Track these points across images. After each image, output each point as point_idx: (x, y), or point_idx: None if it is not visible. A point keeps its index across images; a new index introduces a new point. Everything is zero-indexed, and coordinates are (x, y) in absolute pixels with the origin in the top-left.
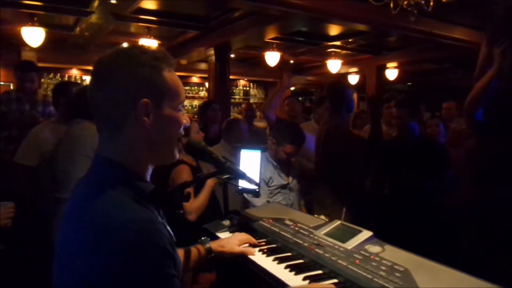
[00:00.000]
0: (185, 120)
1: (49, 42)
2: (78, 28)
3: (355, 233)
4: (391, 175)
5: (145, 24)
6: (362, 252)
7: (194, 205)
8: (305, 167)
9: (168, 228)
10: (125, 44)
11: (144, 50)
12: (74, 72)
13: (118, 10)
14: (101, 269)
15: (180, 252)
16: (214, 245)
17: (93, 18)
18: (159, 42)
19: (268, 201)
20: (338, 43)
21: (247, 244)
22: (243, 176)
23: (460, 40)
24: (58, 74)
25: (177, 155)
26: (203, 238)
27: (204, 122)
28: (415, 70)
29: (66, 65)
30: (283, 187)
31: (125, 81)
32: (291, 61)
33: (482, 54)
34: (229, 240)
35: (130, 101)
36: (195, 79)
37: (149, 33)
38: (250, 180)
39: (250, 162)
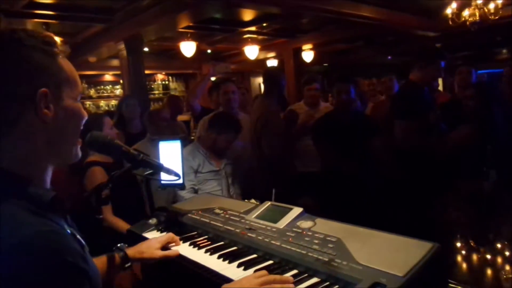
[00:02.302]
0: (84, 112)
1: None
2: None
3: (286, 211)
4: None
5: (42, 20)
6: (294, 229)
7: None
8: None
9: (79, 237)
10: None
11: (30, 33)
12: None
13: (6, 5)
14: None
15: (102, 261)
16: (131, 252)
17: None
18: (61, 39)
19: (194, 189)
20: (253, 28)
21: (173, 244)
22: (160, 168)
23: (368, 18)
24: None
25: (80, 153)
26: (119, 244)
27: (121, 119)
28: (330, 51)
29: None
30: (215, 173)
31: (14, 68)
32: (208, 51)
33: None
34: (149, 244)
35: (25, 92)
36: (108, 77)
37: (48, 30)
38: (169, 171)
39: (171, 154)
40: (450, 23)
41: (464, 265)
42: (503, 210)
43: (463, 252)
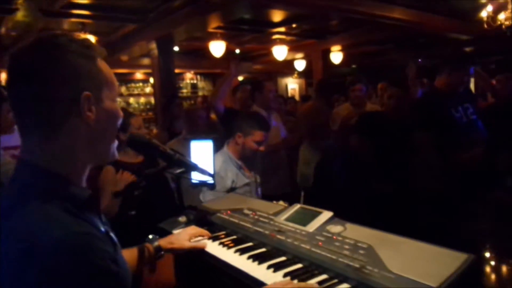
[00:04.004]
0: (121, 112)
1: None
2: (3, 28)
3: (315, 215)
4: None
5: (79, 19)
6: (324, 233)
7: None
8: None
9: (112, 234)
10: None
11: (70, 37)
12: (3, 76)
13: (46, 5)
14: None
15: (132, 253)
16: (163, 242)
17: (19, 15)
18: (96, 38)
19: None
20: (282, 29)
21: (200, 238)
22: (194, 167)
23: (400, 20)
24: None
25: (117, 153)
26: (150, 236)
27: (168, 119)
28: (359, 53)
29: None
30: (247, 185)
31: (60, 73)
32: (237, 51)
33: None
34: (179, 236)
35: (69, 95)
36: (138, 75)
37: (84, 29)
38: (203, 172)
39: (202, 153)
40: (485, 26)
41: (493, 276)
42: None
43: (492, 263)
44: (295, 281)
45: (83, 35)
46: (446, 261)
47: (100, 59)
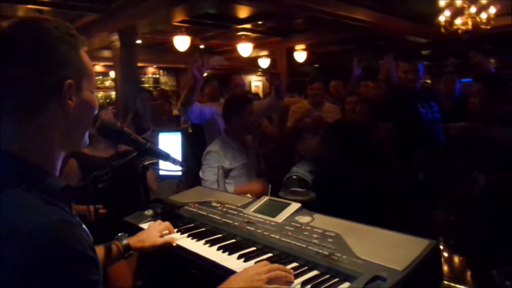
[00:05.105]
0: (97, 104)
1: None
2: None
3: (284, 206)
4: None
5: (35, 6)
6: (293, 223)
7: None
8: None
9: (85, 227)
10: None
11: (55, 23)
12: None
13: None
14: None
15: (98, 250)
16: (132, 241)
17: None
18: None
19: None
20: (247, 25)
21: (167, 232)
22: (167, 157)
23: (362, 21)
24: None
25: (88, 141)
26: (119, 234)
27: (136, 114)
28: (322, 52)
29: None
30: (244, 166)
31: (45, 58)
32: (201, 46)
33: None
34: (148, 233)
35: (51, 83)
36: (98, 68)
37: None
38: (174, 161)
39: (171, 146)
40: (443, 30)
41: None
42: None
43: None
44: None
45: (68, 24)
46: (410, 246)
47: (81, 49)
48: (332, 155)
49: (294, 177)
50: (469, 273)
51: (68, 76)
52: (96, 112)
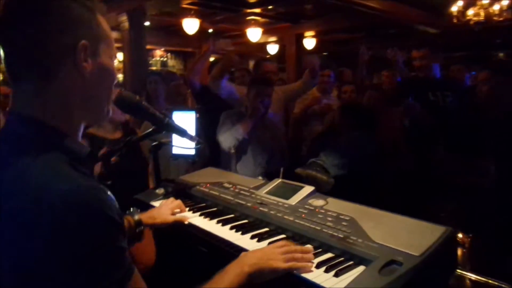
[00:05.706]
0: (117, 73)
1: None
2: None
3: (297, 189)
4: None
5: None
6: (306, 206)
7: None
8: None
9: (110, 193)
10: None
11: None
12: None
13: None
14: (43, 254)
15: None
16: (144, 217)
17: None
18: None
19: None
20: (257, 10)
21: (178, 210)
22: (184, 133)
23: (373, 8)
24: None
25: (111, 113)
26: (131, 209)
27: (148, 97)
28: (331, 40)
29: None
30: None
31: (59, 19)
32: (210, 30)
33: None
34: (160, 210)
35: (66, 42)
36: None
37: None
38: (192, 138)
39: (185, 125)
40: (455, 20)
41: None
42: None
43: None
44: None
45: None
46: (426, 232)
47: (100, 14)
48: (362, 145)
49: (320, 162)
50: (481, 261)
51: (83, 37)
52: (116, 81)
